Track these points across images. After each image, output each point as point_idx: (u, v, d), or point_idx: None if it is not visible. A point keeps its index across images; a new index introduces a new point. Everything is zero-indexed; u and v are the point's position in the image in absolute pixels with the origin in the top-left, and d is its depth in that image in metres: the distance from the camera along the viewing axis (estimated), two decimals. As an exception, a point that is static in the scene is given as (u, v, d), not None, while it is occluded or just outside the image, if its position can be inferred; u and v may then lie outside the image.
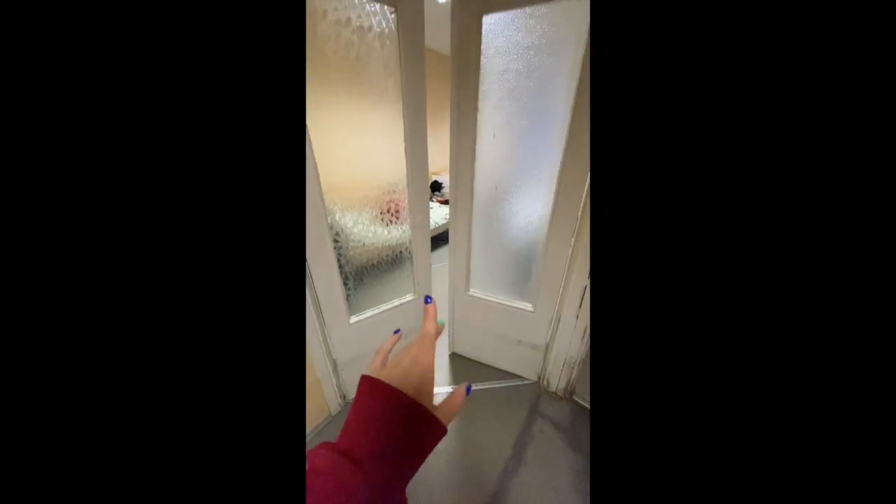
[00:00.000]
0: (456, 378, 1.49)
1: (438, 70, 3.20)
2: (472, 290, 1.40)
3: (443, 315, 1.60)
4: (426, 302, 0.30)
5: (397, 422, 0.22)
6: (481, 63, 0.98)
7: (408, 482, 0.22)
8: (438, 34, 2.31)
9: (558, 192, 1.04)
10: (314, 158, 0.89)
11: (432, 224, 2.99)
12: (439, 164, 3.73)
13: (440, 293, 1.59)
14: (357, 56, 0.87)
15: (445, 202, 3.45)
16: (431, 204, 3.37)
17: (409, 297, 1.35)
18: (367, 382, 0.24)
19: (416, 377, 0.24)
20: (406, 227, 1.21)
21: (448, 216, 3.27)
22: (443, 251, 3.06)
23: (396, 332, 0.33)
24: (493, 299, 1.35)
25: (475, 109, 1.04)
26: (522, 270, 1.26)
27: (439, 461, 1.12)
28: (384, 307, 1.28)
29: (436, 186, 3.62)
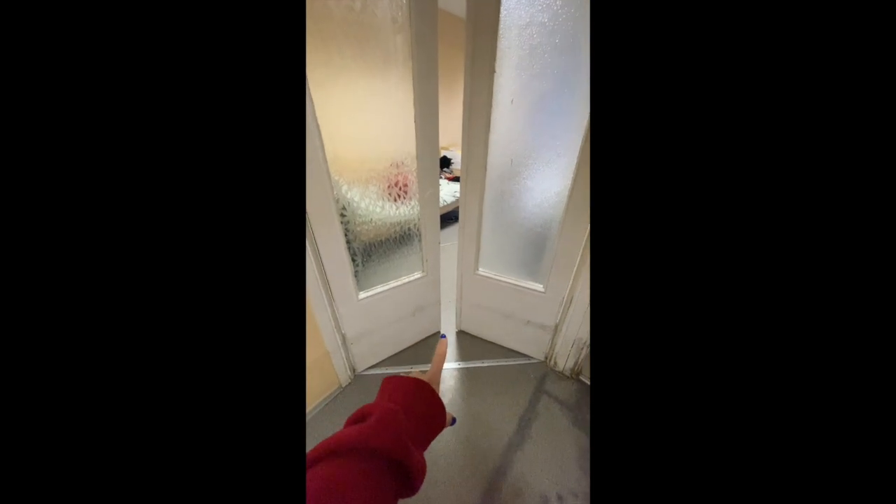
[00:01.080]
0: (462, 354, 1.50)
1: (451, 34, 2.97)
2: (481, 269, 1.37)
3: (450, 295, 1.58)
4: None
5: (419, 394, 0.29)
6: (501, 15, 0.87)
7: (424, 449, 0.27)
8: (451, -11, 2.10)
9: (579, 166, 0.96)
10: (318, 126, 0.83)
11: (441, 202, 2.92)
12: (448, 139, 3.58)
13: (448, 272, 1.57)
14: (363, 6, 0.78)
15: (454, 179, 3.34)
16: (440, 180, 3.26)
17: (417, 275, 1.33)
18: (394, 377, 0.31)
19: (428, 378, 0.32)
20: (414, 202, 1.16)
21: (457, 193, 3.19)
22: (451, 230, 3.01)
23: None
24: (503, 279, 1.32)
25: (492, 71, 0.95)
26: (535, 250, 1.21)
27: (445, 434, 1.16)
28: (393, 284, 1.27)
29: (445, 162, 3.50)
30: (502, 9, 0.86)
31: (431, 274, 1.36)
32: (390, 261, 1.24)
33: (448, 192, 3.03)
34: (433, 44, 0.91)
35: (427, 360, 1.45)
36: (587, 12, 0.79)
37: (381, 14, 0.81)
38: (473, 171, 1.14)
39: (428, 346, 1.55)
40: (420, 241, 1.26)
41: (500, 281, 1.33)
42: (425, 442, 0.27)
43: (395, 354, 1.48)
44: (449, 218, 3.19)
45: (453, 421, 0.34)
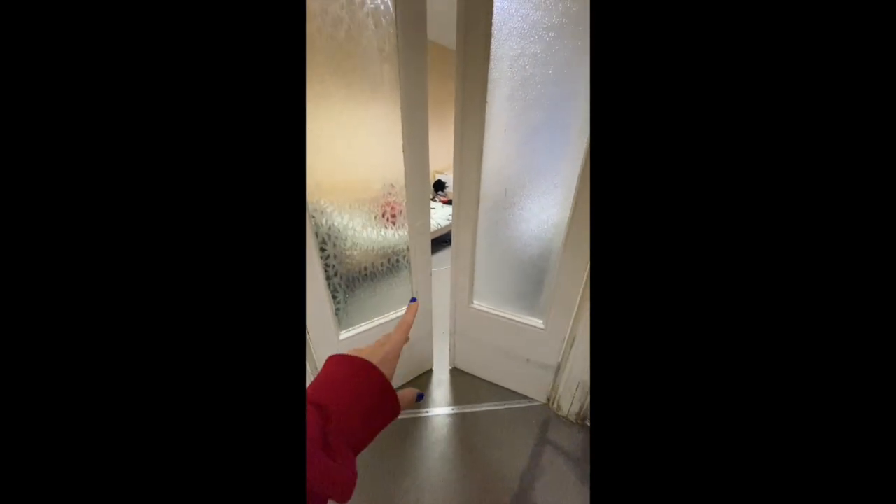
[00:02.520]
0: (457, 395, 1.37)
1: (441, 64, 3.08)
2: (475, 302, 1.27)
3: (443, 328, 1.47)
4: (412, 301, 0.36)
5: (361, 382, 0.25)
6: (492, 47, 0.85)
7: (358, 452, 0.23)
8: (442, 25, 2.17)
9: (578, 195, 0.91)
10: (296, 155, 0.77)
11: (435, 225, 2.87)
12: (442, 163, 3.61)
13: (441, 301, 1.47)
14: (347, 35, 0.75)
15: (449, 202, 3.33)
16: (434, 204, 3.26)
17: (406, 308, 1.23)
18: (336, 357, 0.27)
19: (381, 354, 0.27)
20: (403, 231, 1.08)
21: (451, 217, 3.17)
22: (444, 254, 2.94)
23: (413, 300, 0.36)
24: (500, 314, 1.22)
25: (483, 101, 0.91)
26: (533, 283, 1.13)
27: (436, 497, 1.00)
28: (379, 321, 1.16)
29: (439, 186, 3.50)
30: (493, 40, 0.84)
31: (422, 306, 1.26)
32: (377, 295, 1.14)
33: (442, 215, 3.00)
34: (422, 74, 0.88)
35: (419, 404, 1.31)
36: (581, 42, 0.77)
37: (367, 43, 0.78)
38: (466, 201, 1.09)
39: (419, 385, 1.41)
40: (410, 271, 1.17)
41: (496, 315, 1.23)
42: (363, 440, 0.24)
43: (382, 398, 1.33)
44: (443, 241, 3.13)
45: (419, 397, 0.30)
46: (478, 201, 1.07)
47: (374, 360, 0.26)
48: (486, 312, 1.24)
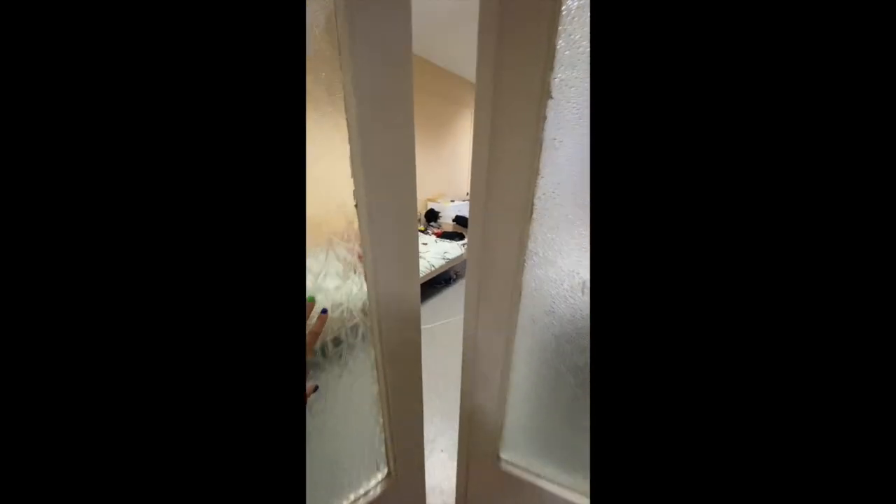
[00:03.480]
0: None
1: (432, 84, 2.70)
2: (505, 456, 0.72)
3: (450, 499, 0.89)
4: (323, 312, 0.39)
5: None
6: (558, 44, 0.36)
7: None
8: (428, 40, 1.74)
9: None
10: None
11: (428, 267, 2.36)
12: (435, 189, 3.17)
13: (440, 363, 0.89)
14: None
15: (443, 235, 2.83)
16: (427, 238, 2.76)
17: (376, 484, 0.66)
18: None
19: None
20: (365, 351, 0.54)
21: (447, 255, 2.65)
22: (438, 299, 2.40)
23: (324, 311, 0.39)
24: (552, 488, 0.67)
25: (545, 95, 0.42)
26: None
27: None
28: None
29: (431, 216, 3.01)
30: (563, 21, 0.36)
31: (406, 473, 0.70)
32: (331, 459, 0.57)
33: (436, 252, 2.49)
34: (404, 78, 0.38)
35: None
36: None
37: None
38: (495, 290, 0.57)
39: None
40: (385, 429, 0.61)
41: (546, 490, 0.68)
42: None
43: None
44: (436, 283, 2.60)
45: (315, 388, 0.37)
46: (519, 295, 0.55)
47: None
48: (527, 481, 0.69)
